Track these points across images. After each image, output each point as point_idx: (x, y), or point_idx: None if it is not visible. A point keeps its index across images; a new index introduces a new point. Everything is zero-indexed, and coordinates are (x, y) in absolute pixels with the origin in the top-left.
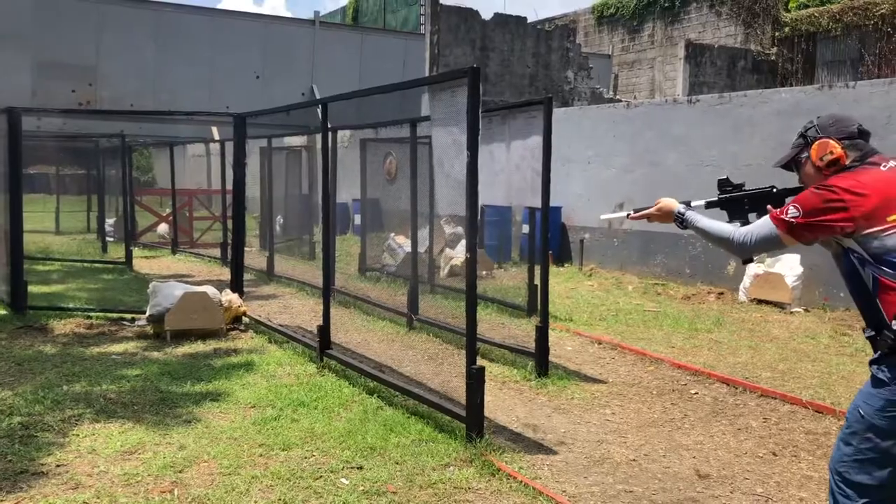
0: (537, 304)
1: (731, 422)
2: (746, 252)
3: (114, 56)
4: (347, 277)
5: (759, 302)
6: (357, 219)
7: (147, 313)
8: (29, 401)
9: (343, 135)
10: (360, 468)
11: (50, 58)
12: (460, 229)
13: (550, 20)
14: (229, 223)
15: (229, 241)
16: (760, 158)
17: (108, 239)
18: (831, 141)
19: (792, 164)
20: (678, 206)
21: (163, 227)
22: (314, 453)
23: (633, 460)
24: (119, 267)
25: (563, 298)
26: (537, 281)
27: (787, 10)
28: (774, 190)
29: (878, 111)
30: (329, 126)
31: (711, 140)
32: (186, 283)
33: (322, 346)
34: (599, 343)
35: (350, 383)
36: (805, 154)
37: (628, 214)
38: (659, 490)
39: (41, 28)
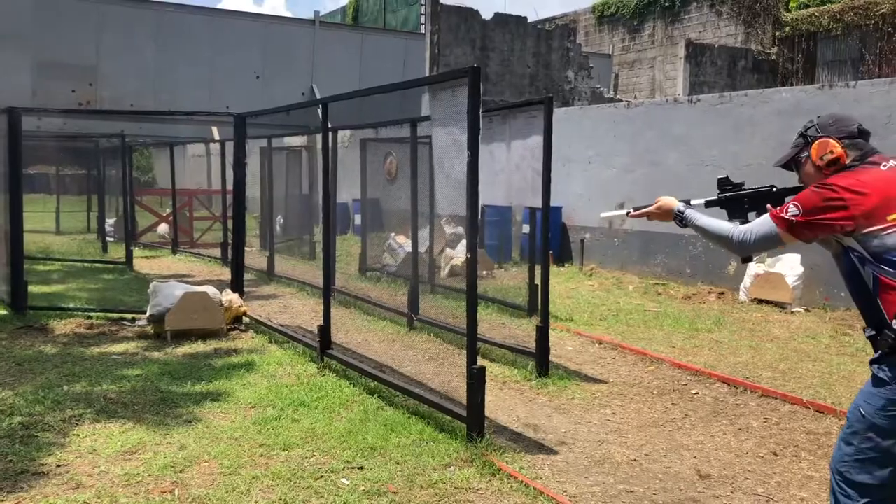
0: (538, 304)
1: (732, 422)
2: (746, 250)
3: (114, 56)
4: (348, 277)
5: (760, 302)
6: (357, 219)
7: (147, 313)
8: (29, 401)
9: (343, 135)
10: (361, 468)
11: (50, 58)
12: (461, 229)
13: (551, 20)
14: (229, 223)
15: (229, 241)
16: (761, 158)
17: (108, 239)
18: (831, 140)
19: (792, 163)
20: (678, 205)
21: (163, 227)
22: (315, 453)
23: (634, 460)
24: (119, 267)
25: (563, 298)
26: (538, 281)
27: (788, 10)
28: (774, 189)
29: (879, 111)
30: (329, 126)
31: (712, 140)
32: (187, 283)
33: (322, 346)
34: (600, 343)
35: (351, 383)
36: (805, 153)
37: (628, 212)
38: (660, 490)
39: (41, 28)
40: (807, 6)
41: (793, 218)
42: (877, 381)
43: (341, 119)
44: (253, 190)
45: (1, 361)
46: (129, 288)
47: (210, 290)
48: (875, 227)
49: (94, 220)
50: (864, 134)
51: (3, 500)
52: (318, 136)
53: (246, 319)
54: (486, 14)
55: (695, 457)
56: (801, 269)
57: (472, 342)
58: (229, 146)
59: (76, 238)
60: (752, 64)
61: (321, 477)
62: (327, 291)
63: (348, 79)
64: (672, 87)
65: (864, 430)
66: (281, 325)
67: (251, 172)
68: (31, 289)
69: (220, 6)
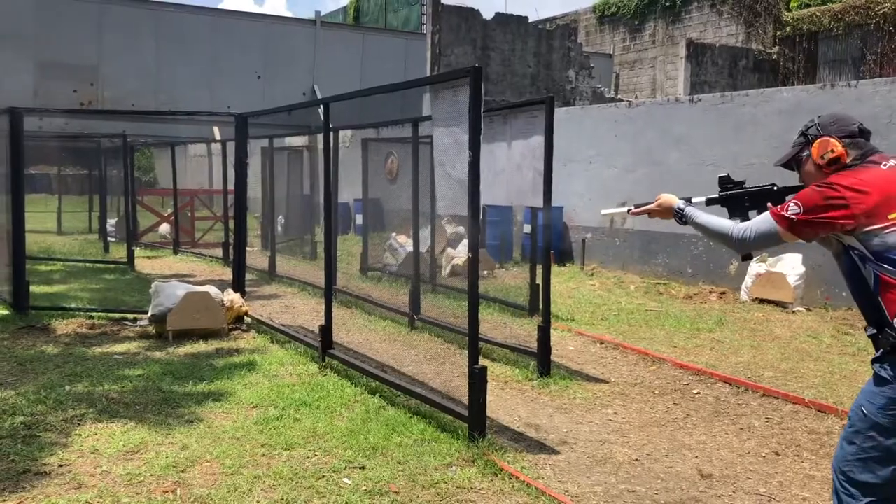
0: (539, 304)
1: (734, 421)
2: (746, 248)
3: (115, 56)
4: (349, 277)
5: (761, 301)
6: (359, 218)
7: (149, 313)
8: (31, 401)
9: (345, 134)
10: (363, 468)
11: (51, 58)
12: (462, 229)
13: (551, 20)
14: (231, 223)
15: (231, 241)
16: (762, 157)
17: (109, 239)
18: (832, 139)
19: (793, 162)
20: (678, 202)
21: (164, 227)
22: (316, 453)
23: (636, 460)
24: (121, 267)
25: (564, 298)
26: (539, 280)
27: (789, 10)
28: (775, 188)
29: (881, 110)
30: (331, 126)
31: (713, 139)
32: (188, 282)
33: (324, 345)
34: (601, 343)
35: (352, 383)
36: (806, 152)
37: (629, 210)
38: (661, 490)
39: (42, 28)
40: (808, 6)
41: (793, 216)
42: (878, 380)
43: (343, 119)
44: (254, 190)
45: (3, 361)
46: (131, 288)
47: (212, 289)
48: (876, 226)
49: (95, 221)
50: (864, 133)
51: (5, 500)
52: (320, 136)
53: (247, 319)
54: (487, 14)
55: (696, 456)
56: (802, 269)
57: (473, 342)
58: (231, 146)
59: (78, 238)
60: (753, 63)
61: (323, 477)
62: (329, 291)
63: (349, 79)
64: (673, 86)
65: (867, 430)
66: (282, 325)
67: (252, 172)
68: (33, 289)
69: (220, 6)
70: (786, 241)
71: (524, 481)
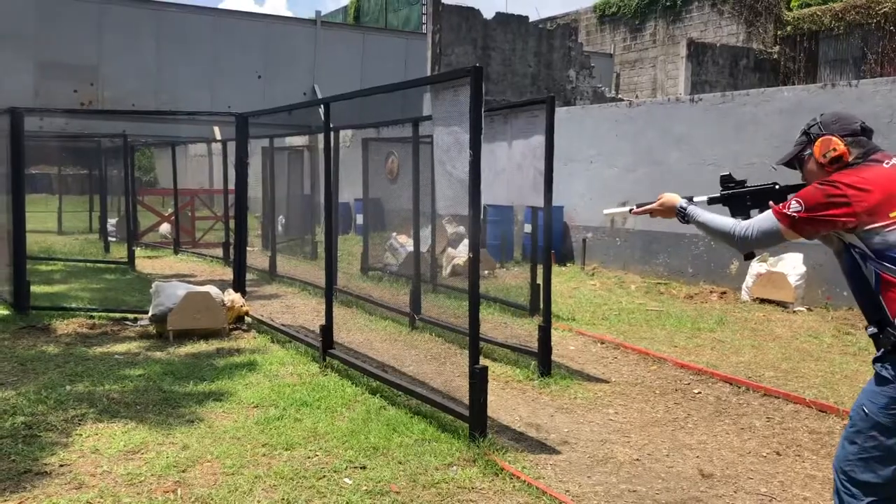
0: (540, 304)
1: (735, 421)
2: (748, 246)
3: (115, 56)
4: (350, 277)
5: (762, 301)
6: (359, 218)
7: (150, 313)
8: (32, 401)
9: (345, 134)
10: (364, 468)
11: (52, 58)
12: (462, 228)
13: (552, 19)
14: (231, 223)
15: (231, 241)
16: (763, 157)
17: (110, 239)
18: (834, 138)
19: (795, 161)
20: (680, 201)
21: (165, 227)
22: (317, 453)
23: (637, 460)
24: (121, 267)
25: (565, 298)
26: (540, 280)
27: (790, 9)
28: (777, 186)
29: (881, 109)
30: (331, 126)
31: (714, 139)
32: (189, 282)
33: (325, 345)
34: (602, 342)
35: (353, 383)
36: (808, 151)
37: (631, 209)
38: (662, 490)
39: (43, 28)
40: (808, 5)
41: (795, 214)
42: (880, 380)
43: (343, 119)
44: (255, 190)
45: (4, 361)
46: (132, 288)
47: (212, 289)
48: (877, 224)
49: (96, 220)
50: (866, 132)
51: (6, 500)
52: (320, 136)
53: (248, 319)
54: (488, 14)
55: (697, 456)
56: (803, 269)
57: (474, 342)
58: (231, 146)
59: (78, 238)
60: (754, 63)
61: (324, 476)
62: (329, 291)
63: (350, 78)
64: (673, 86)
65: (868, 429)
66: (283, 325)
67: (253, 172)
68: (34, 289)
69: (221, 6)
70: (788, 239)
71: (525, 481)
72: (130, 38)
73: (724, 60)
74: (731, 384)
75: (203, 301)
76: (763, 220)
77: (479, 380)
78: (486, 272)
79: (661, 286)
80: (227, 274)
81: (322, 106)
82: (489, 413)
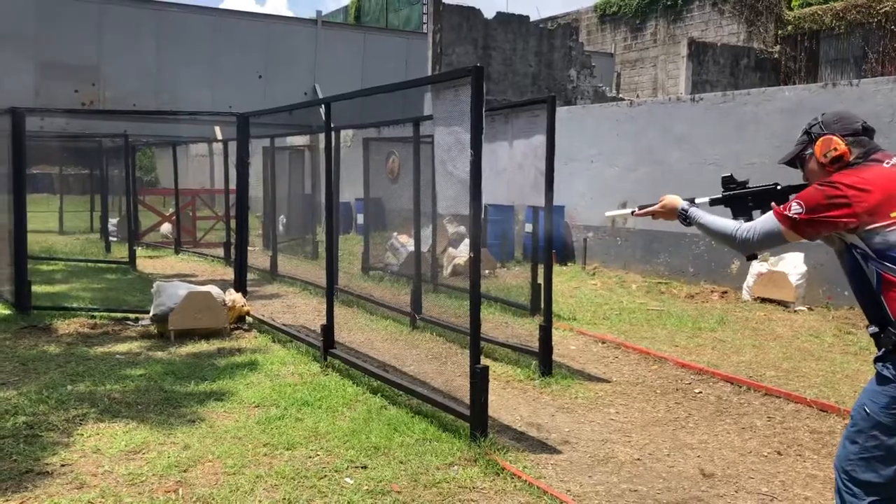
0: (541, 304)
1: (736, 421)
2: (749, 248)
3: (116, 56)
4: (351, 277)
5: (763, 300)
6: (360, 218)
7: (151, 313)
8: (33, 400)
9: (346, 134)
10: (365, 467)
11: (52, 58)
12: (463, 228)
13: (553, 19)
14: (232, 223)
15: (232, 241)
16: (764, 157)
17: (111, 239)
18: (835, 137)
19: (797, 160)
20: (682, 203)
21: (166, 227)
22: (318, 453)
23: (638, 459)
24: (122, 267)
25: (566, 297)
26: (541, 280)
27: (790, 8)
28: (778, 187)
29: (882, 109)
30: (332, 125)
31: (715, 138)
32: (190, 282)
33: (326, 345)
34: (603, 342)
35: (354, 382)
36: (809, 151)
37: (633, 211)
38: (663, 489)
39: (43, 28)
40: (809, 4)
41: (796, 216)
42: (881, 379)
43: (344, 118)
44: (256, 189)
45: (5, 361)
46: (133, 287)
47: (213, 289)
48: (878, 224)
49: (97, 220)
50: (867, 131)
51: (7, 500)
52: (321, 136)
53: (249, 319)
54: (489, 13)
55: (698, 456)
56: (804, 268)
57: (475, 341)
58: (232, 146)
59: (79, 238)
60: (755, 62)
61: (325, 476)
62: (330, 291)
63: (350, 78)
64: (674, 85)
65: (869, 429)
66: (284, 325)
67: (254, 172)
68: (35, 288)
69: (222, 6)
70: (789, 240)
71: (526, 481)
72: (131, 38)
73: (725, 60)
74: (732, 384)
75: (204, 301)
76: (764, 221)
77: (479, 379)
78: (487, 272)
79: (661, 286)
80: (229, 274)
81: (323, 106)
82: (490, 413)
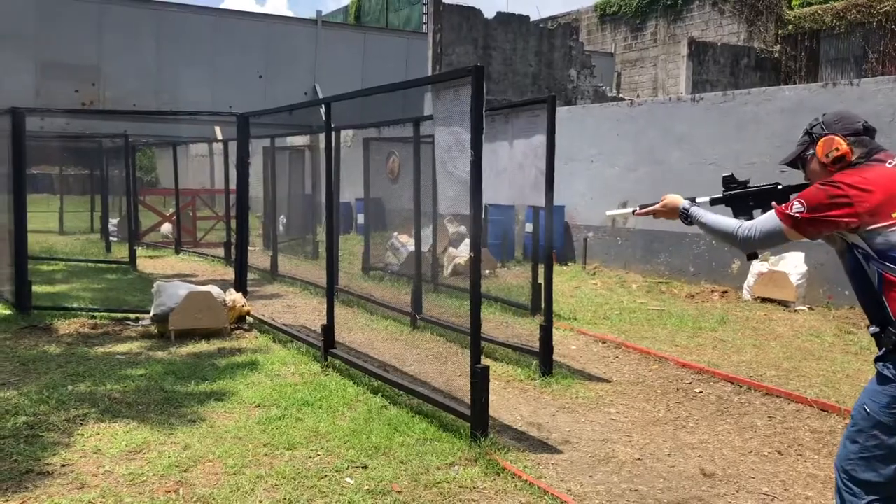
0: (541, 303)
1: (736, 420)
2: (750, 247)
3: (116, 56)
4: (351, 277)
5: (764, 300)
6: (360, 218)
7: (151, 313)
8: (34, 401)
9: (346, 134)
10: (365, 467)
11: (52, 58)
12: (463, 228)
13: (553, 18)
14: (233, 223)
15: (233, 241)
16: (764, 156)
17: (111, 239)
18: (837, 137)
19: (798, 161)
20: (683, 202)
21: (166, 227)
22: (319, 453)
23: (638, 459)
24: (123, 267)
25: (566, 297)
26: (541, 280)
27: (791, 8)
28: (779, 187)
29: (883, 108)
30: (332, 125)
31: (715, 138)
32: (190, 282)
33: (326, 345)
34: (603, 342)
35: (354, 382)
36: (811, 151)
37: (634, 211)
38: (664, 489)
39: (43, 28)
40: (809, 4)
41: (797, 215)
42: (881, 379)
43: (344, 118)
44: (256, 189)
45: (5, 361)
46: (133, 288)
47: (214, 289)
48: (880, 224)
49: (97, 220)
50: (869, 131)
51: (8, 500)
52: (321, 136)
53: (249, 319)
54: (489, 13)
55: (699, 456)
56: (804, 268)
57: (475, 341)
58: (232, 146)
59: (80, 238)
60: (755, 62)
61: (325, 476)
62: (331, 291)
63: (351, 78)
64: (674, 85)
65: (870, 428)
66: (284, 325)
67: (254, 172)
68: (35, 289)
69: (222, 6)
70: (790, 239)
71: (526, 480)
72: (131, 38)
73: (726, 59)
74: (732, 383)
75: (205, 301)
76: (766, 220)
77: (480, 379)
78: (488, 272)
79: (662, 285)
80: (229, 274)
81: (323, 106)
82: (490, 412)
